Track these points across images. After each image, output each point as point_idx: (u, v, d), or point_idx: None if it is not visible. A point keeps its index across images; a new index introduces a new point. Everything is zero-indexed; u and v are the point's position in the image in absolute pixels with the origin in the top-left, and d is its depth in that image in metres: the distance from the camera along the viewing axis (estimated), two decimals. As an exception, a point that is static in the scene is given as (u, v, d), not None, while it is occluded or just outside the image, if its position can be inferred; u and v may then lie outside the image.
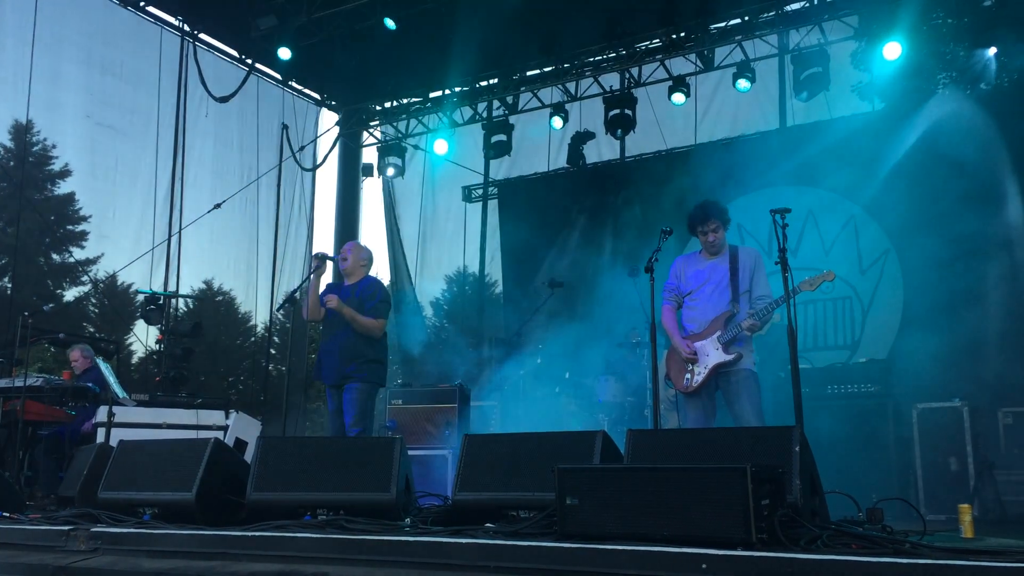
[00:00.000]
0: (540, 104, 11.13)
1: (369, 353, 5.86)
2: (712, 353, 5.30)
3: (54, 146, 14.90)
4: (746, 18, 9.75)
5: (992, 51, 8.48)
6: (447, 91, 11.47)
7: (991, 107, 8.25)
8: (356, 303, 5.93)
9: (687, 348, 5.36)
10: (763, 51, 9.84)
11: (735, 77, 9.61)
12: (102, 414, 6.61)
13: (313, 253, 7.04)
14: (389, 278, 12.50)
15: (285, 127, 11.66)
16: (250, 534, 3.64)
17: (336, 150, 12.46)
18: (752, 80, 9.58)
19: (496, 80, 11.24)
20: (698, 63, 10.14)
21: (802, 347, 8.15)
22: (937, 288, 7.78)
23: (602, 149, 11.13)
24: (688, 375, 5.39)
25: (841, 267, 8.34)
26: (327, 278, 6.82)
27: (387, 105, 12.21)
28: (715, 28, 9.92)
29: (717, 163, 8.79)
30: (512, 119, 11.13)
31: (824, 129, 9.08)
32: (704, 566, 2.71)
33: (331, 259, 6.36)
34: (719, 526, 2.89)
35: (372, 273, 6.43)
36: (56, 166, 16.95)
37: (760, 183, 8.93)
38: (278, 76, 11.62)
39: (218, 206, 10.69)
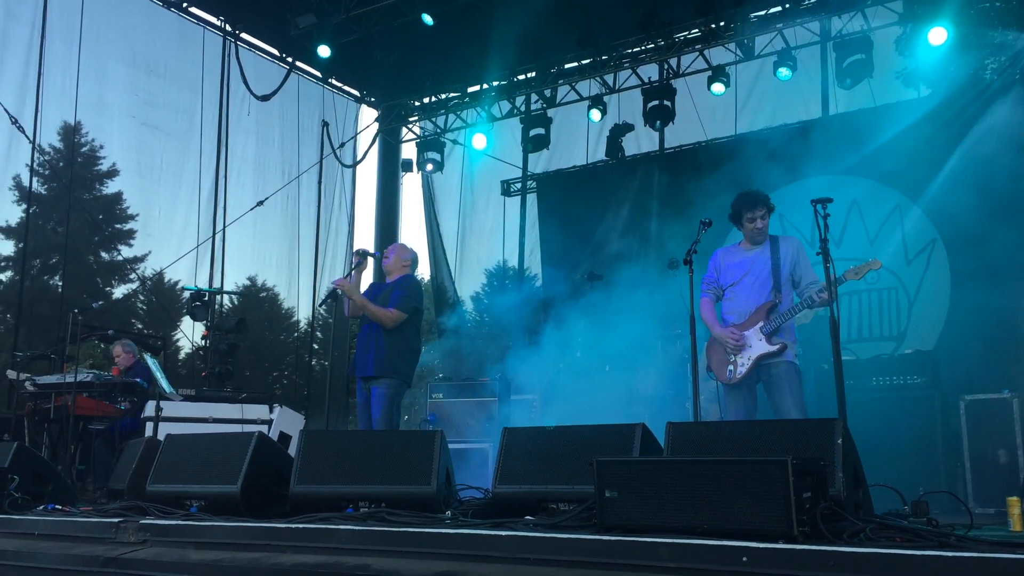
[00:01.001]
0: (578, 97, 11.08)
1: (397, 350, 5.93)
2: (755, 344, 5.27)
3: (102, 146, 15.17)
4: (787, 5, 9.58)
5: (1042, 35, 8.27)
6: (485, 85, 11.47)
7: (1040, 93, 8.04)
8: (384, 298, 6.00)
9: (733, 336, 5.31)
10: (804, 39, 9.66)
11: (776, 66, 9.46)
12: (150, 409, 6.75)
13: (354, 250, 7.11)
14: (430, 273, 12.59)
15: (325, 124, 11.77)
16: (294, 526, 3.70)
17: (376, 146, 12.55)
18: (793, 68, 9.43)
19: (534, 74, 11.21)
20: (738, 52, 10.00)
21: (847, 339, 8.04)
22: (985, 277, 7.61)
23: (641, 141, 11.03)
24: (731, 367, 5.36)
25: (887, 257, 8.18)
26: (369, 276, 6.89)
27: (426, 100, 12.25)
28: (755, 16, 9.76)
29: (758, 153, 8.65)
30: (550, 112, 11.10)
31: (868, 117, 8.90)
32: (745, 559, 2.69)
33: (372, 255, 6.42)
34: (760, 519, 2.87)
35: (417, 274, 6.48)
36: (104, 166, 17.31)
37: (802, 173, 8.79)
38: (318, 74, 11.76)
39: (260, 203, 10.86)
